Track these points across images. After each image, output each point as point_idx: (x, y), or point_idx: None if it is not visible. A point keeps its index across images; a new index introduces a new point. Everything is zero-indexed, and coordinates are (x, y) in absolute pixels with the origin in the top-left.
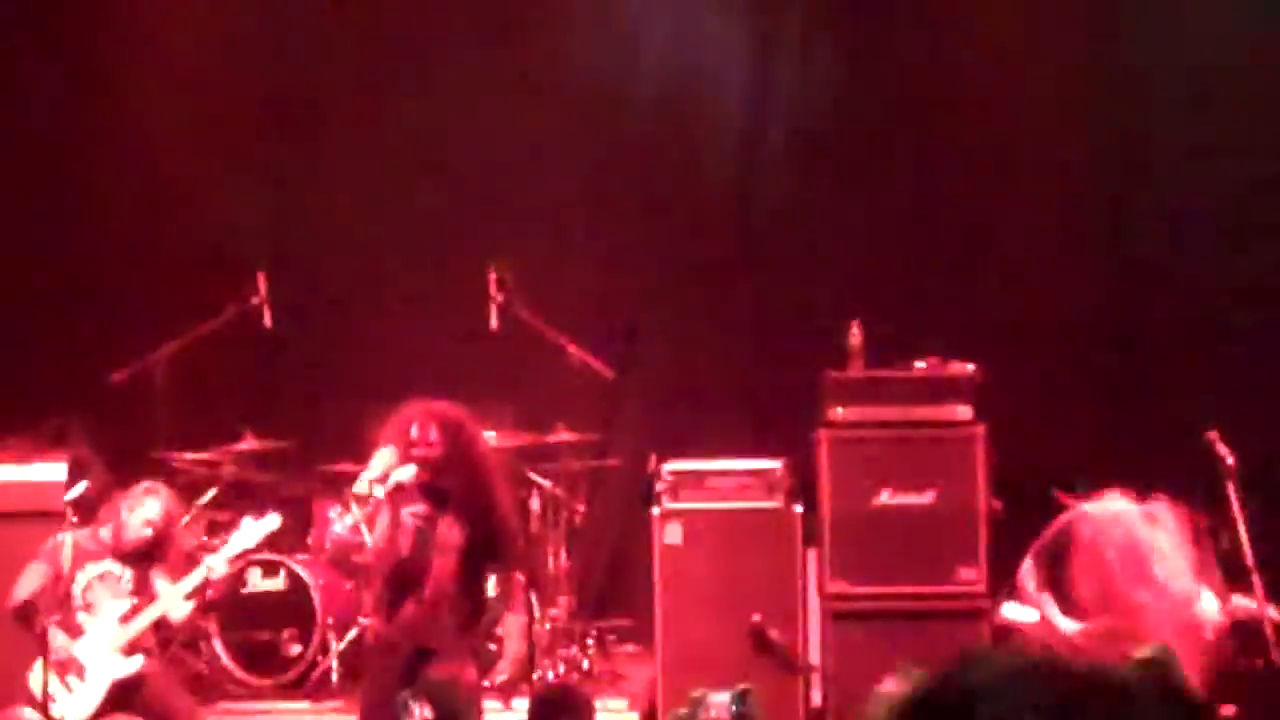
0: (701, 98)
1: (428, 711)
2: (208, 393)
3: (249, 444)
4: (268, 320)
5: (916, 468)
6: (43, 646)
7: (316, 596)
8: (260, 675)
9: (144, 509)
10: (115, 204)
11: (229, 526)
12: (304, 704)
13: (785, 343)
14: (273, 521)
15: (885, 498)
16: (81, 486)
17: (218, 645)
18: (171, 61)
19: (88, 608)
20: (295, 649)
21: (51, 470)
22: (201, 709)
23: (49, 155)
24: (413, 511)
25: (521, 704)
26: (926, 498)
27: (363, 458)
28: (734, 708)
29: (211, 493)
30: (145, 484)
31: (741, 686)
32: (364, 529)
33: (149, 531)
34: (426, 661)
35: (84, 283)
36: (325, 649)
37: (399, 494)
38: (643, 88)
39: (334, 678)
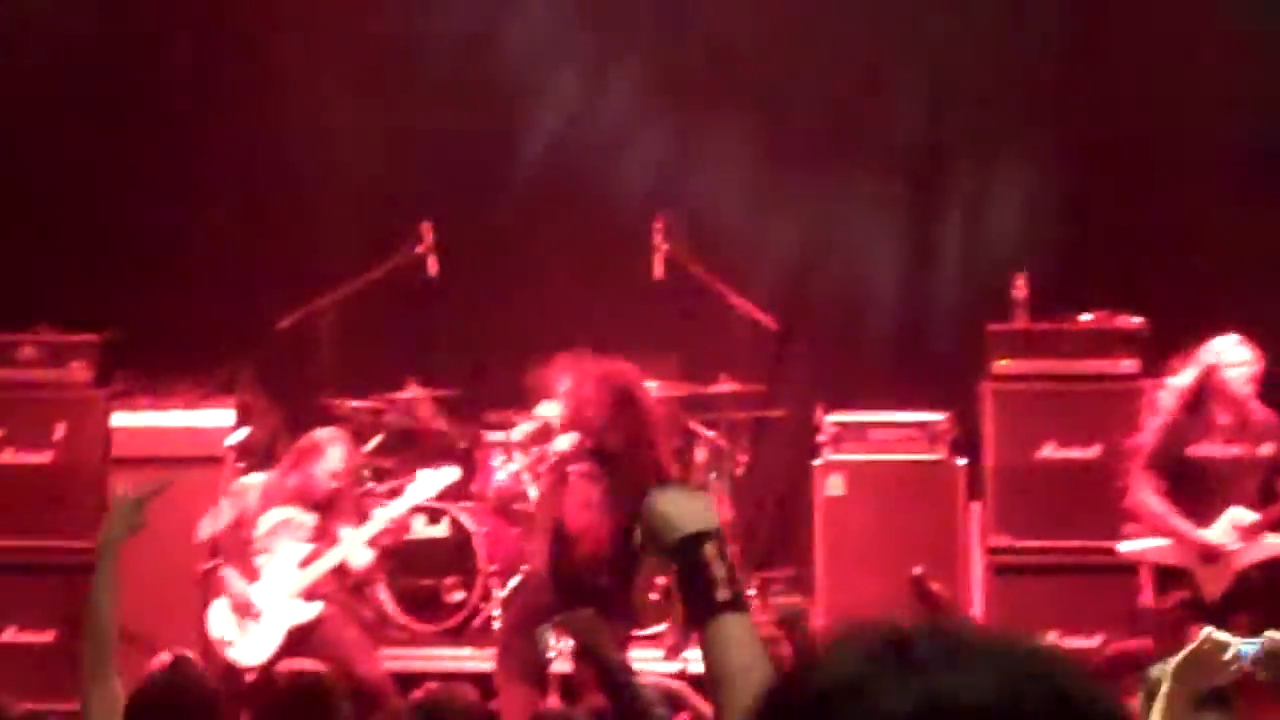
0: (854, 47)
1: (566, 643)
2: (372, 340)
3: (412, 392)
4: (432, 268)
5: (1082, 421)
6: (210, 589)
7: (479, 544)
8: (423, 621)
9: (327, 461)
10: (282, 152)
11: (393, 474)
12: (466, 650)
13: (950, 294)
14: (451, 474)
15: (1049, 451)
16: (244, 433)
17: (382, 592)
18: (335, 7)
19: (266, 552)
20: (458, 596)
21: (218, 416)
22: (377, 652)
23: (217, 104)
24: (577, 471)
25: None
26: (1092, 452)
27: (526, 406)
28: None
29: (376, 440)
30: (327, 432)
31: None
32: (526, 478)
33: (336, 483)
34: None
35: (252, 230)
36: (487, 596)
37: (562, 457)
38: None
39: (496, 625)
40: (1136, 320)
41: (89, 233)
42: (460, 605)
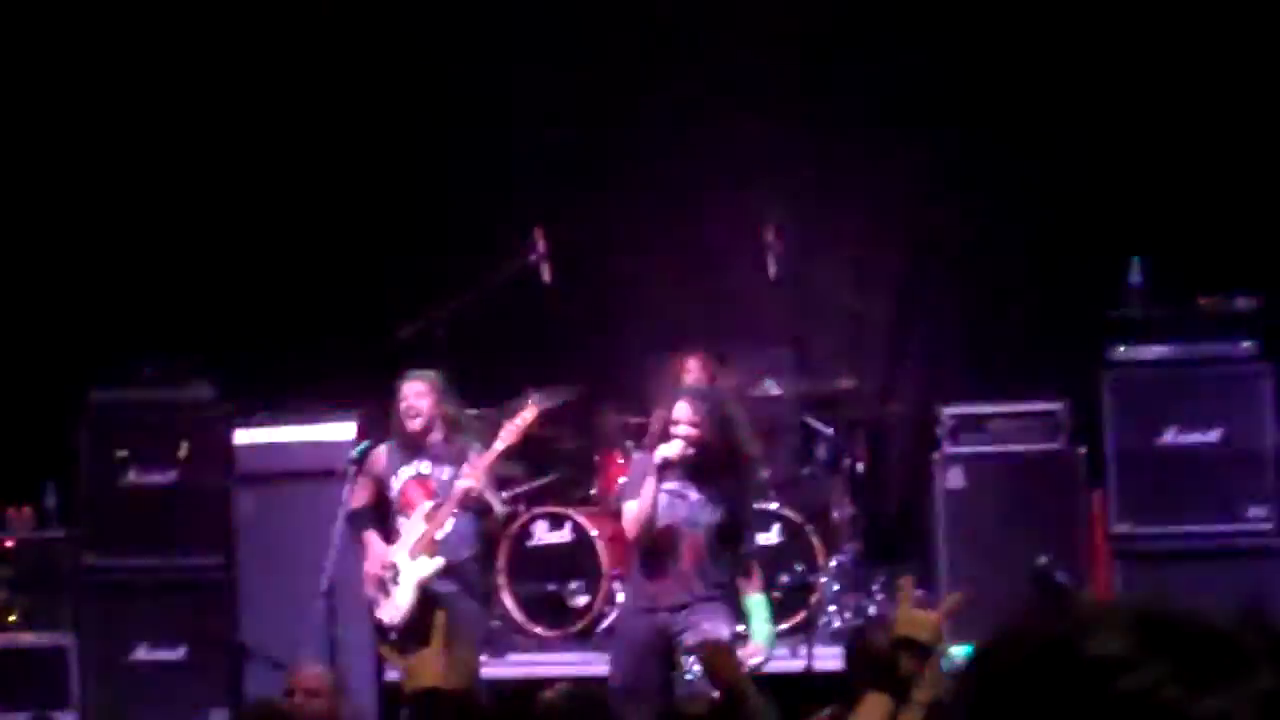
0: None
1: (699, 668)
2: (490, 348)
3: (532, 399)
4: (547, 276)
5: (1202, 405)
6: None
7: (601, 548)
8: (547, 627)
9: (402, 398)
10: (395, 160)
11: (516, 481)
12: (591, 654)
13: (1066, 280)
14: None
15: (1170, 437)
16: (364, 446)
17: (506, 597)
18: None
19: (406, 510)
20: (581, 600)
21: (339, 430)
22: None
23: (331, 115)
24: (669, 488)
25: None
26: (1212, 436)
27: (645, 410)
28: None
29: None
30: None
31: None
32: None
33: (417, 416)
34: (683, 626)
35: (368, 240)
36: (610, 600)
37: (664, 469)
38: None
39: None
40: (1254, 301)
41: (208, 251)
42: (584, 610)
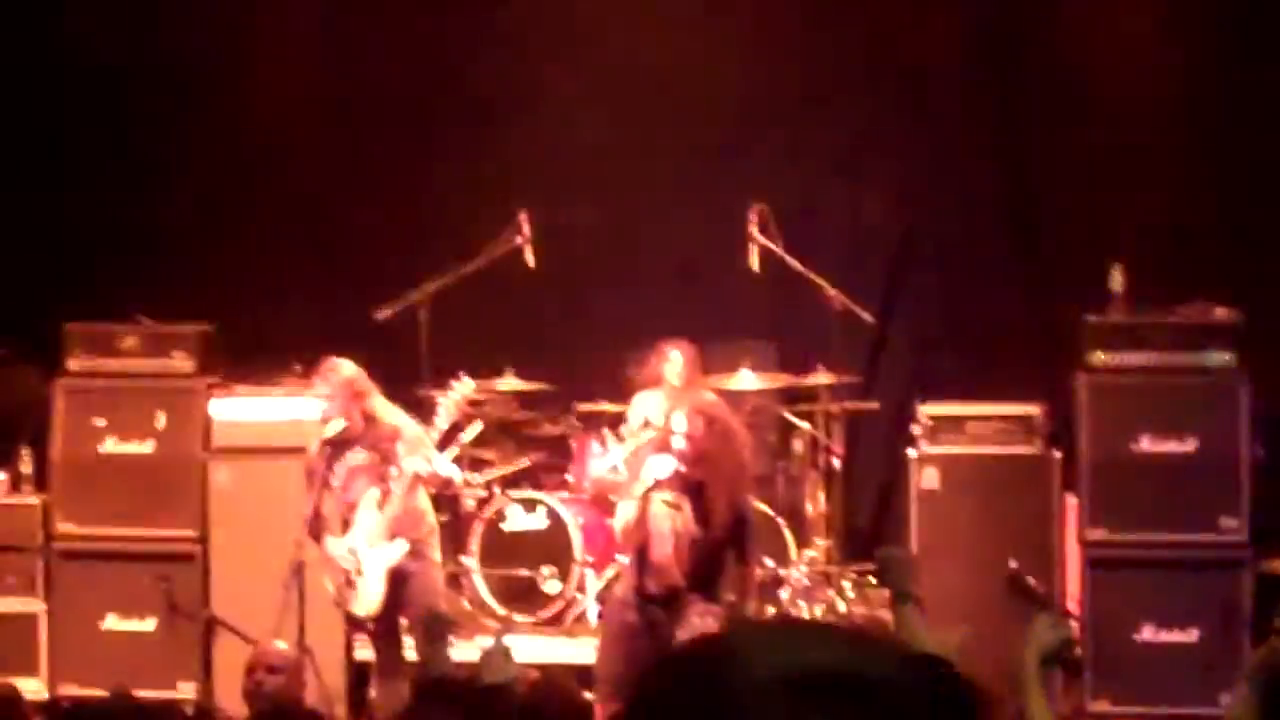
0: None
1: None
2: (470, 331)
3: (511, 382)
4: (530, 260)
5: (1177, 414)
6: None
7: (575, 534)
8: (519, 611)
9: (319, 392)
10: (380, 144)
11: (492, 464)
12: (561, 639)
13: (1048, 285)
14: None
15: (1145, 444)
16: (341, 424)
17: (478, 580)
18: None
19: (351, 506)
20: (553, 586)
21: (317, 407)
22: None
23: (314, 101)
24: (664, 499)
25: None
26: (1187, 445)
27: (623, 398)
28: None
29: (474, 430)
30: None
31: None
32: (621, 468)
33: (330, 404)
34: (674, 620)
35: (351, 221)
36: (583, 586)
37: (659, 484)
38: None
39: (591, 615)
40: (1233, 313)
41: (191, 225)
42: (556, 596)
